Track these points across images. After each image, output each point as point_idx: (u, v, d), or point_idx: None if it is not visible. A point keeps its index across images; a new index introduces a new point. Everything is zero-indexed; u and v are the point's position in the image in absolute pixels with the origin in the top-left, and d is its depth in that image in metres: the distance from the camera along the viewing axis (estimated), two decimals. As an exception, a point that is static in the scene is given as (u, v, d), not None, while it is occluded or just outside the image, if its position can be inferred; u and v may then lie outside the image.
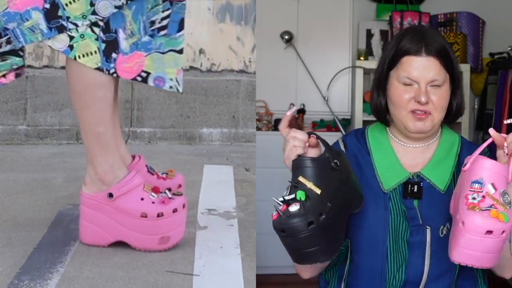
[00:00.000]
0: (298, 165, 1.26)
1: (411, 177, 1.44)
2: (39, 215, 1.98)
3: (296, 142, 1.31)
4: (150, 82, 1.70)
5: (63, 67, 3.21)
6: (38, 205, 2.09)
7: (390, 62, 1.44)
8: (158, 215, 1.67)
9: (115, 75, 1.65)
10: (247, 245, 1.78)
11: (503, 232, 1.16)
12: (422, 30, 1.44)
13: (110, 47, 1.63)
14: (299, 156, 1.29)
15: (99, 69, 1.64)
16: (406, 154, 1.47)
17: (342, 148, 1.49)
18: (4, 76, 1.66)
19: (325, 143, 1.32)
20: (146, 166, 1.90)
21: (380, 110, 1.48)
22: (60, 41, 1.62)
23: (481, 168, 1.24)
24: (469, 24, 3.66)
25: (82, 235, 1.74)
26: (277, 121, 3.68)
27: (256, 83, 3.35)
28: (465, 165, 1.27)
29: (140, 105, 3.28)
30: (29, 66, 3.25)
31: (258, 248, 1.79)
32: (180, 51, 1.71)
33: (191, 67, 3.35)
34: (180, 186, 1.94)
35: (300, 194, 1.21)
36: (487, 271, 1.43)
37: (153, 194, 1.70)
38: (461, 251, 1.18)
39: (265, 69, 3.57)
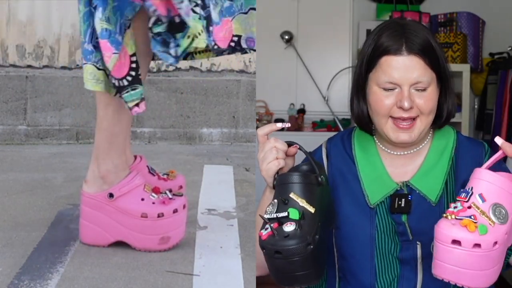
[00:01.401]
0: (286, 180, 1.18)
1: (399, 189, 1.31)
2: (39, 215, 1.98)
3: (280, 154, 1.23)
4: (244, 44, 1.67)
5: (63, 67, 3.21)
6: (38, 205, 2.09)
7: (368, 63, 1.28)
8: (159, 216, 1.67)
9: (216, 47, 1.62)
10: (247, 245, 1.78)
11: (476, 244, 1.06)
12: (402, 23, 1.27)
13: (208, 22, 1.61)
14: (284, 170, 1.23)
15: (208, 49, 1.66)
16: (393, 162, 1.34)
17: (324, 156, 1.39)
18: (137, 105, 1.63)
19: (307, 154, 1.26)
20: (147, 166, 1.90)
21: (362, 119, 1.34)
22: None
23: (474, 178, 1.13)
24: (469, 24, 3.66)
25: (82, 235, 1.74)
26: (277, 121, 3.68)
27: (256, 83, 3.35)
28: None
29: (140, 105, 3.28)
30: (29, 66, 3.25)
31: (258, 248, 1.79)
32: (254, 8, 1.69)
33: (191, 67, 3.35)
34: (181, 187, 1.94)
35: (293, 213, 1.13)
36: None
37: (153, 194, 1.71)
38: (435, 262, 1.09)
39: (265, 69, 3.57)
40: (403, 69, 1.24)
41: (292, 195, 1.15)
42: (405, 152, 1.34)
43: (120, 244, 1.71)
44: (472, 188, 1.12)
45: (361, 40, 3.77)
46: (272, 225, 1.12)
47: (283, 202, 1.15)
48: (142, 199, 1.69)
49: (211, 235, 1.86)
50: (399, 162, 1.34)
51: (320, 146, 1.42)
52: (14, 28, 3.26)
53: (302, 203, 1.15)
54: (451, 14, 3.67)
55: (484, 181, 1.12)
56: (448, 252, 1.07)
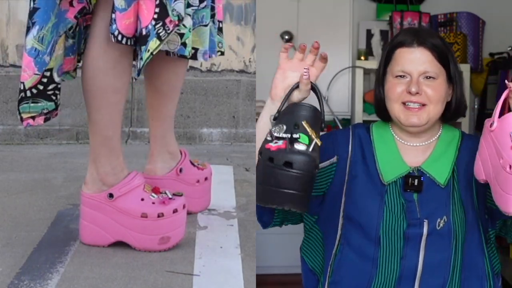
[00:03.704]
0: (300, 109, 1.22)
1: (411, 171, 1.44)
2: (39, 215, 1.98)
3: (304, 76, 1.31)
4: (200, 58, 1.77)
5: (63, 67, 3.21)
6: (38, 205, 2.09)
7: (386, 58, 1.47)
8: (158, 216, 1.67)
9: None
10: (247, 245, 1.78)
11: None
12: (418, 28, 1.50)
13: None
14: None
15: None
16: (407, 152, 1.48)
17: (351, 131, 1.50)
18: (32, 118, 1.65)
19: (319, 93, 1.33)
20: (189, 161, 1.99)
21: (380, 106, 1.49)
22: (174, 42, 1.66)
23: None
24: (469, 24, 3.66)
25: (82, 235, 1.74)
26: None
27: (256, 83, 3.35)
28: (491, 125, 1.24)
29: (140, 105, 3.27)
30: (29, 66, 3.25)
31: (258, 248, 1.79)
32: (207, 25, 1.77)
33: (191, 67, 3.35)
34: (206, 179, 2.03)
35: (304, 138, 1.17)
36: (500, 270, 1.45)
37: (153, 194, 1.70)
38: (506, 197, 1.15)
39: (265, 69, 3.56)
40: (414, 60, 1.42)
41: (304, 123, 1.19)
42: (417, 144, 1.48)
43: (120, 244, 1.71)
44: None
45: (361, 40, 3.77)
46: (282, 141, 1.16)
47: (294, 126, 1.19)
48: (142, 199, 1.69)
49: (211, 235, 1.86)
50: (412, 153, 1.48)
51: (348, 128, 1.54)
52: (14, 28, 3.26)
53: (312, 132, 1.19)
54: (451, 14, 3.67)
55: None
56: None
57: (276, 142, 1.16)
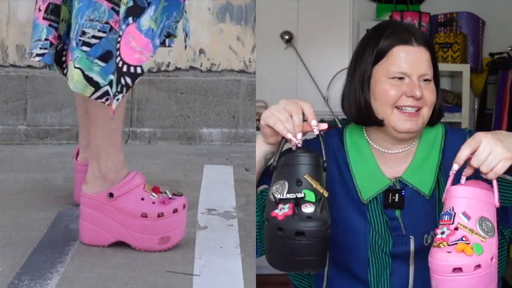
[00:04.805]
0: (298, 161, 1.13)
1: (391, 185, 1.31)
2: (39, 215, 1.98)
3: (297, 119, 1.15)
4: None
5: (63, 67, 3.21)
6: (38, 205, 2.09)
7: (376, 56, 1.30)
8: (159, 215, 1.67)
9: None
10: (247, 245, 1.78)
11: (477, 266, 1.03)
12: (398, 23, 1.33)
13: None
14: (295, 147, 1.16)
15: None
16: (386, 161, 1.35)
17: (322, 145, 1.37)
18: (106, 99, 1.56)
19: (321, 136, 1.20)
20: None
21: (360, 110, 1.33)
22: None
23: (451, 197, 1.10)
24: (469, 24, 3.66)
25: (82, 236, 1.73)
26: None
27: (256, 83, 3.35)
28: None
29: (140, 105, 3.28)
30: (29, 66, 3.25)
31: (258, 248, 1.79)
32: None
33: (191, 67, 3.35)
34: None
35: (310, 195, 1.09)
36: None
37: (153, 194, 1.70)
38: None
39: (265, 69, 3.57)
40: (413, 60, 1.27)
41: (306, 177, 1.11)
42: (399, 151, 1.34)
43: (120, 244, 1.70)
44: (452, 208, 1.08)
45: (361, 40, 3.77)
46: (287, 205, 1.07)
47: (296, 183, 1.10)
48: (142, 199, 1.68)
49: (211, 235, 1.86)
50: (392, 161, 1.35)
51: (318, 136, 1.40)
52: (14, 28, 3.26)
53: (316, 185, 1.11)
54: (451, 14, 3.67)
55: (462, 198, 1.08)
56: (450, 282, 1.02)
57: (282, 209, 1.07)
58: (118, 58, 1.52)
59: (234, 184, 2.42)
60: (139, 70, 1.53)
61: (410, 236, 1.29)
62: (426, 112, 1.29)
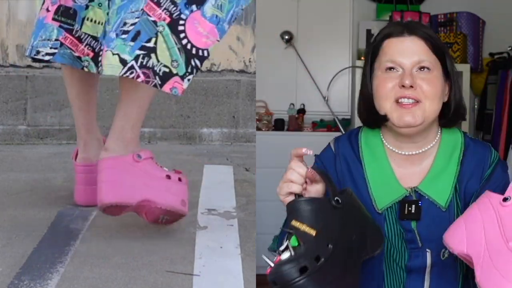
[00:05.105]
0: (291, 208, 1.12)
1: (407, 195, 1.27)
2: (39, 215, 1.98)
3: (294, 176, 1.14)
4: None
5: (63, 67, 3.21)
6: (38, 205, 2.09)
7: (372, 53, 1.30)
8: (179, 179, 1.76)
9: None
10: (247, 245, 1.78)
11: None
12: (407, 21, 1.31)
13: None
14: (296, 195, 1.14)
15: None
16: (401, 163, 1.31)
17: (333, 150, 1.35)
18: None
19: (326, 177, 1.17)
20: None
21: (369, 110, 1.32)
22: None
23: None
24: (469, 24, 3.66)
25: (105, 195, 1.67)
26: (277, 121, 3.68)
27: (256, 83, 3.35)
28: (505, 199, 1.06)
29: (140, 105, 3.28)
30: (29, 66, 3.25)
31: (258, 248, 1.79)
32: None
33: (191, 67, 3.35)
34: None
35: (293, 240, 1.08)
36: None
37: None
38: None
39: (265, 69, 3.57)
40: (405, 49, 1.24)
41: (293, 223, 1.10)
42: (413, 152, 1.30)
43: (120, 244, 1.71)
44: None
45: (361, 40, 3.78)
46: (275, 258, 1.09)
47: (289, 233, 1.10)
48: (161, 166, 1.76)
49: (211, 235, 1.86)
50: (407, 163, 1.31)
51: (329, 145, 1.38)
52: (14, 28, 3.26)
53: (303, 228, 1.09)
54: (451, 14, 3.67)
55: None
56: None
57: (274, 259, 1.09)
58: (186, 40, 1.63)
59: (234, 184, 2.42)
60: (206, 53, 1.65)
61: (427, 250, 1.26)
62: (428, 106, 1.23)
